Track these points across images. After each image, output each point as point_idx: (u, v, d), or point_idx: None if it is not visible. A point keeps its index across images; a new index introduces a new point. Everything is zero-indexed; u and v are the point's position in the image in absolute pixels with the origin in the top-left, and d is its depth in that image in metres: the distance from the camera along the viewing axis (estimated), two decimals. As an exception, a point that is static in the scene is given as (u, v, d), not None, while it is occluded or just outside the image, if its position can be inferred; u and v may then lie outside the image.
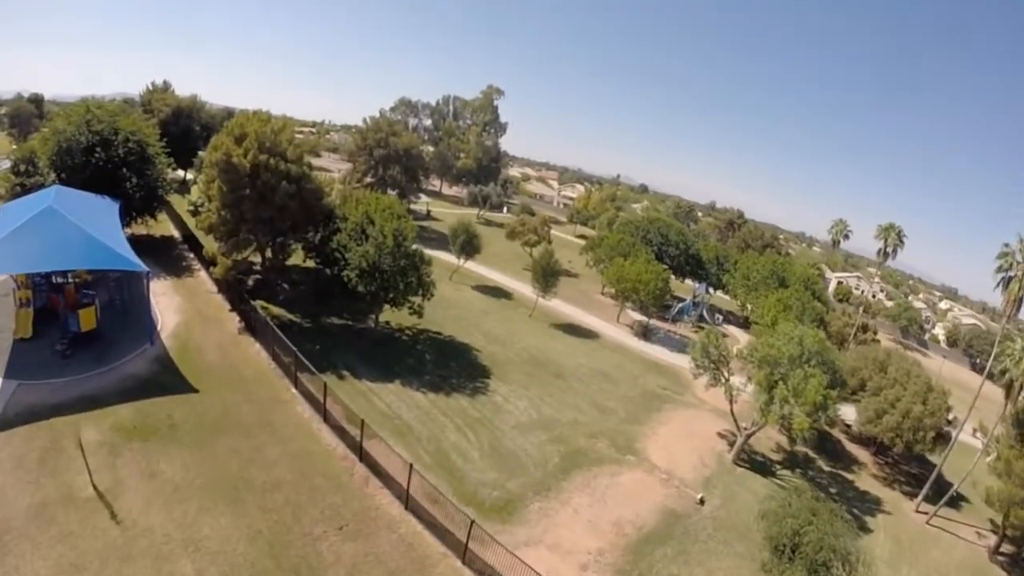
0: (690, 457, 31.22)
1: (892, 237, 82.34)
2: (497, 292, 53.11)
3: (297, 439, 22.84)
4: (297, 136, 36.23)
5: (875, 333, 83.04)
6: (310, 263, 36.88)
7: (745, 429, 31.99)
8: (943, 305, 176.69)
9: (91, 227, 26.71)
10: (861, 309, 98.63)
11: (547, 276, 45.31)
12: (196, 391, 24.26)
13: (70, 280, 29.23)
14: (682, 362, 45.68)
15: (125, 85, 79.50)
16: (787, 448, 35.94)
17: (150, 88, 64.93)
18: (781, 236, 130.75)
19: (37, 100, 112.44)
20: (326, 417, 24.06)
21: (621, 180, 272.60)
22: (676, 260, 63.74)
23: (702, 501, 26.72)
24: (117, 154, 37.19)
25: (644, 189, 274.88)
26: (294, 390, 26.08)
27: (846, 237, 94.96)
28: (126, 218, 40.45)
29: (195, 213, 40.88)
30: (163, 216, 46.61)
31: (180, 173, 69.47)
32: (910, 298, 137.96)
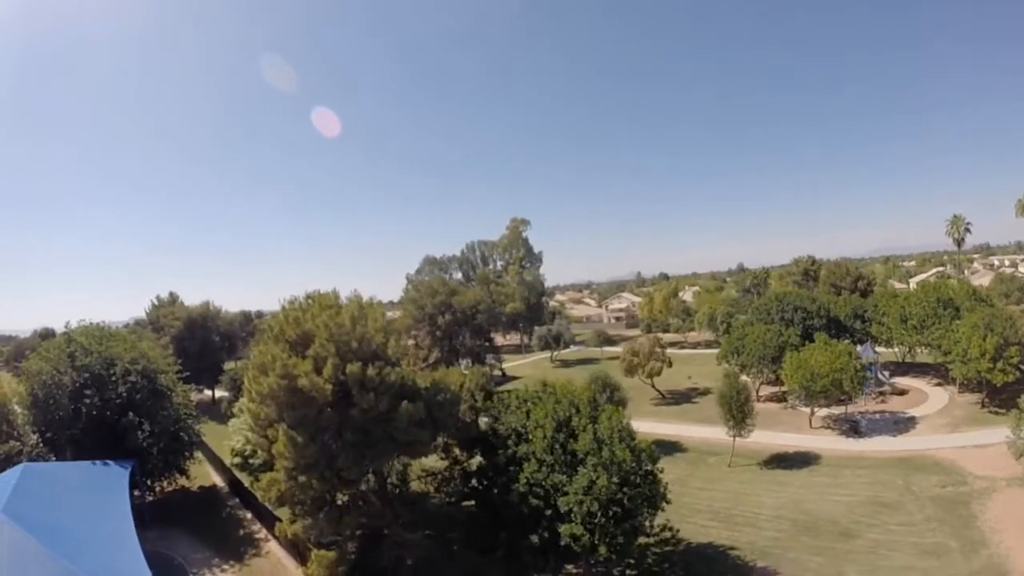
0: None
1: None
2: (664, 447, 39.15)
3: None
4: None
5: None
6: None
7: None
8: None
9: (68, 543, 15.71)
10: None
11: (742, 409, 33.51)
12: None
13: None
14: (918, 444, 35.31)
15: (140, 308, 71.15)
16: None
17: (155, 304, 55.99)
18: (861, 265, 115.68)
19: (47, 334, 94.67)
20: None
21: (641, 276, 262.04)
22: (823, 329, 50.80)
23: None
24: (117, 394, 25.58)
25: (665, 278, 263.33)
26: None
27: (968, 231, 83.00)
28: (145, 481, 28.18)
29: (244, 466, 27.78)
30: (198, 455, 34.40)
31: (207, 393, 58.72)
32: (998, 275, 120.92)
